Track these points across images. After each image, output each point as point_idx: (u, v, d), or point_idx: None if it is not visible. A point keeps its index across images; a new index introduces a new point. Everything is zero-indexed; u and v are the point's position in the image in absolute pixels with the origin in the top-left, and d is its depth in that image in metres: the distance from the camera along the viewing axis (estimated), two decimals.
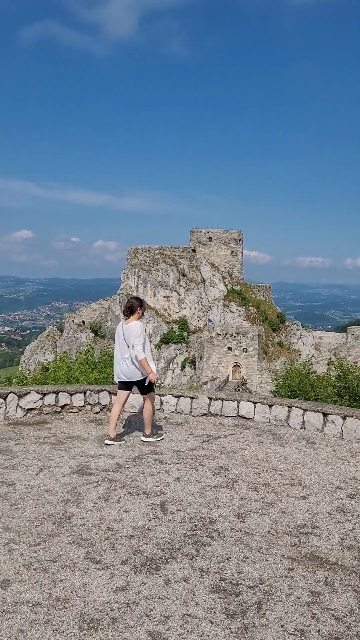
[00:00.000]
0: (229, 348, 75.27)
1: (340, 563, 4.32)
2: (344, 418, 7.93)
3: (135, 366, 7.26)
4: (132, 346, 7.15)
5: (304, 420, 8.33)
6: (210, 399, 8.90)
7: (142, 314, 7.48)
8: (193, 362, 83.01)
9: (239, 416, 8.77)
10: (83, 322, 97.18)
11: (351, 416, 7.87)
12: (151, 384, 7.45)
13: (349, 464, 6.85)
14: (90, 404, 8.80)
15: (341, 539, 4.76)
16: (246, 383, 72.14)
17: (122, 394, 7.58)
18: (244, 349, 74.81)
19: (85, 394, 8.77)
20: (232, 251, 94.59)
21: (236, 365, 75.66)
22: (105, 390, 8.90)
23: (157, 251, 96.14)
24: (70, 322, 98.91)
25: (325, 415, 8.14)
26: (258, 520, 5.04)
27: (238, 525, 4.93)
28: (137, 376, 7.33)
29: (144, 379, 7.34)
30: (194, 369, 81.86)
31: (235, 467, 6.54)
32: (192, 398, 8.93)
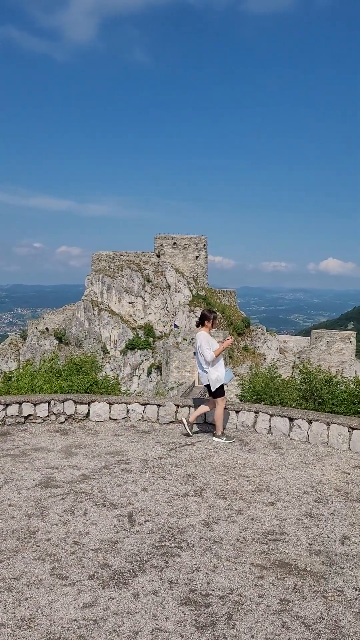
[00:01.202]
0: (195, 353, 75.42)
1: (309, 569, 4.33)
2: (310, 422, 8.01)
3: (204, 371, 8.11)
4: (202, 353, 8.07)
5: (270, 426, 8.37)
6: (177, 406, 8.86)
7: (212, 325, 8.24)
8: (159, 368, 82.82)
9: (206, 423, 8.75)
10: (47, 329, 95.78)
11: (317, 420, 7.95)
12: (219, 389, 8.02)
13: (315, 468, 6.90)
14: (55, 413, 8.63)
15: (309, 544, 4.78)
16: None
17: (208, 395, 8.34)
18: None
19: (49, 403, 8.60)
20: (197, 256, 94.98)
21: None
22: (70, 399, 8.75)
23: (122, 257, 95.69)
24: (34, 329, 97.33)
25: (291, 420, 8.20)
26: (227, 529, 5.01)
27: (207, 534, 4.89)
28: (204, 381, 8.14)
29: (210, 384, 8.04)
30: (160, 374, 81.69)
31: (203, 474, 6.51)
32: (159, 405, 8.87)
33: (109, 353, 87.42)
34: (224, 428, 8.31)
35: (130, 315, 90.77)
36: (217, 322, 8.12)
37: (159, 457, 7.17)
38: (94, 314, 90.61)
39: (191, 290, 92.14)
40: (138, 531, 4.90)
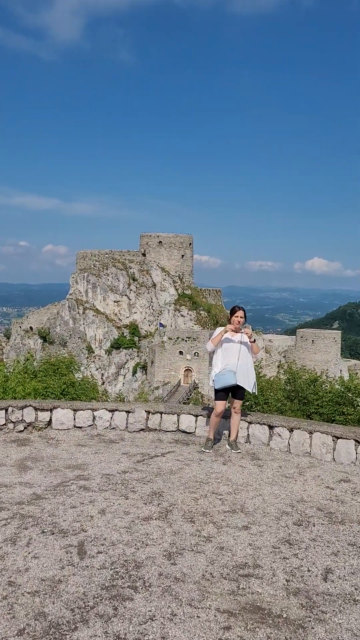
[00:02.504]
0: (180, 352, 74.68)
1: (285, 615, 3.63)
2: (291, 430, 7.34)
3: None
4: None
5: (248, 434, 7.69)
6: (148, 412, 8.13)
7: (229, 320, 7.40)
8: (144, 367, 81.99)
9: (180, 431, 8.04)
10: (31, 328, 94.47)
11: (298, 428, 7.28)
12: (215, 392, 7.34)
13: (296, 482, 6.22)
14: (12, 421, 7.85)
15: (287, 580, 4.09)
16: (198, 387, 71.76)
17: (231, 400, 7.52)
18: (195, 353, 74.45)
19: (6, 410, 7.82)
20: (183, 255, 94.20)
21: (188, 370, 75.18)
22: (30, 405, 7.97)
23: (107, 255, 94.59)
24: (18, 328, 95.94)
25: (271, 427, 7.52)
26: (192, 561, 4.30)
27: (168, 568, 4.18)
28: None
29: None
30: (146, 374, 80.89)
31: (170, 492, 5.79)
32: (127, 412, 8.13)
33: (93, 352, 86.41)
34: (211, 437, 7.45)
35: (116, 314, 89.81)
36: (237, 319, 7.38)
37: (123, 471, 6.44)
38: (78, 312, 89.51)
39: (177, 289, 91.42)
40: (87, 566, 4.18)
